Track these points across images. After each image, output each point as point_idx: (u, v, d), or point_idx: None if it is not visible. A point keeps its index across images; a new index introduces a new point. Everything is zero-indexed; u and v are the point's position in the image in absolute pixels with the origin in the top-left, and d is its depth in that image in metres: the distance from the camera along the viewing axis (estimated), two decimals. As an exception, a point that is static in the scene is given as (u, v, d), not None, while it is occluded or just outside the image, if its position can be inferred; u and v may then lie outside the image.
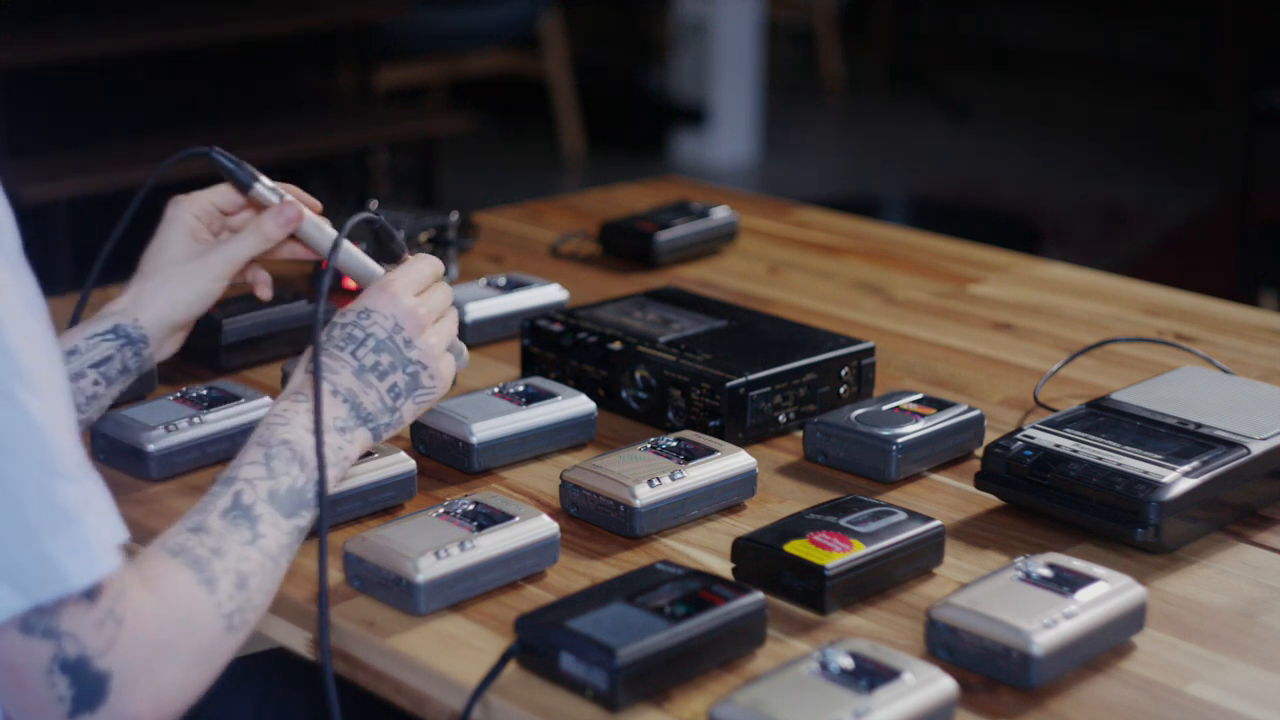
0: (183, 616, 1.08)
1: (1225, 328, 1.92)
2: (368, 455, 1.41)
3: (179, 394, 1.55)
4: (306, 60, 5.09)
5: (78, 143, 4.35)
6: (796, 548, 1.29)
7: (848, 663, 1.12)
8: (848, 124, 7.05)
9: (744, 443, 1.55)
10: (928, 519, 1.34)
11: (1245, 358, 1.82)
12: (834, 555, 1.28)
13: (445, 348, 1.33)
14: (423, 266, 1.35)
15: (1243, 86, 6.44)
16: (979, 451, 1.53)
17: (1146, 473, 1.38)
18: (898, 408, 1.55)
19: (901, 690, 1.10)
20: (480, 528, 1.30)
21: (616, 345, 1.65)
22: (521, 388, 1.57)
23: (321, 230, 1.42)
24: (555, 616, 1.17)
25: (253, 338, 1.73)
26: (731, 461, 1.44)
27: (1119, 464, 1.39)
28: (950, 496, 1.49)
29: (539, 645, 1.17)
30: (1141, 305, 2.00)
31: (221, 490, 1.18)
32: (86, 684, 1.02)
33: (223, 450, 1.51)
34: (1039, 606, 1.20)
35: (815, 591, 1.27)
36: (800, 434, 1.60)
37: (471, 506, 1.33)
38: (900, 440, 1.49)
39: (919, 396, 1.58)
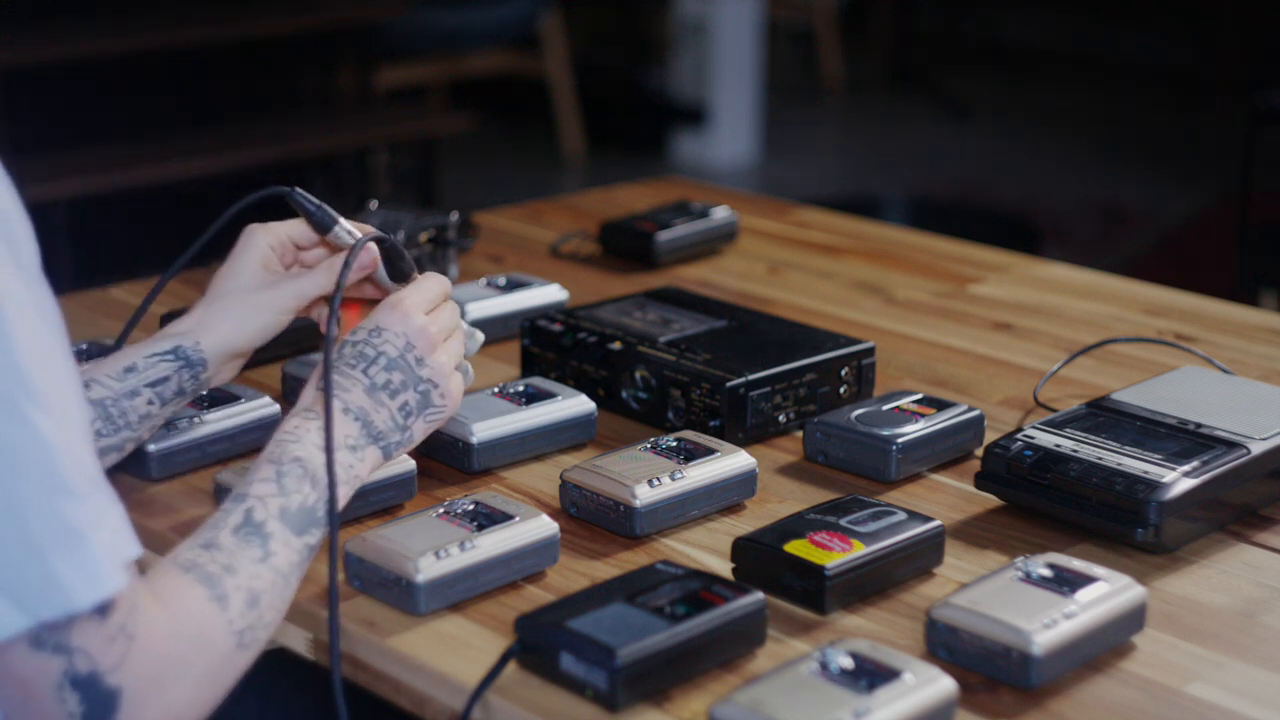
0: (194, 633, 1.08)
1: (1225, 328, 1.92)
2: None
3: (179, 394, 1.55)
4: (306, 60, 5.09)
5: (78, 143, 4.35)
6: (796, 548, 1.29)
7: (848, 663, 1.12)
8: (848, 124, 7.05)
9: (744, 443, 1.55)
10: (928, 519, 1.34)
11: (1245, 358, 1.82)
12: (834, 555, 1.28)
13: (455, 365, 1.33)
14: (432, 285, 1.35)
15: (1243, 86, 6.44)
16: (979, 451, 1.53)
17: (1146, 473, 1.38)
18: (898, 408, 1.55)
19: (901, 690, 1.10)
20: (480, 528, 1.30)
21: (616, 345, 1.65)
22: (521, 388, 1.57)
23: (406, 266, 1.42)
24: (555, 616, 1.17)
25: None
26: (731, 461, 1.44)
27: (1119, 464, 1.39)
28: (950, 496, 1.49)
29: (539, 645, 1.17)
30: (1141, 305, 2.00)
31: (233, 507, 1.17)
32: (97, 700, 1.02)
33: (223, 450, 1.51)
34: (1039, 606, 1.20)
35: (815, 591, 1.27)
36: (800, 434, 1.60)
37: (471, 506, 1.33)
38: (900, 440, 1.49)
39: (919, 396, 1.58)
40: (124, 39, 4.32)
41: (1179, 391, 1.55)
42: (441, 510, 1.32)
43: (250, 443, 1.53)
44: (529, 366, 1.70)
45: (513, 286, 1.87)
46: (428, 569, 1.25)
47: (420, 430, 1.31)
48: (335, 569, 1.20)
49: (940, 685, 1.12)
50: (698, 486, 1.41)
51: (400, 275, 1.41)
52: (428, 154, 5.08)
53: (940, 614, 1.21)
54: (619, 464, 1.42)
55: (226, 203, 1.49)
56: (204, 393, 1.44)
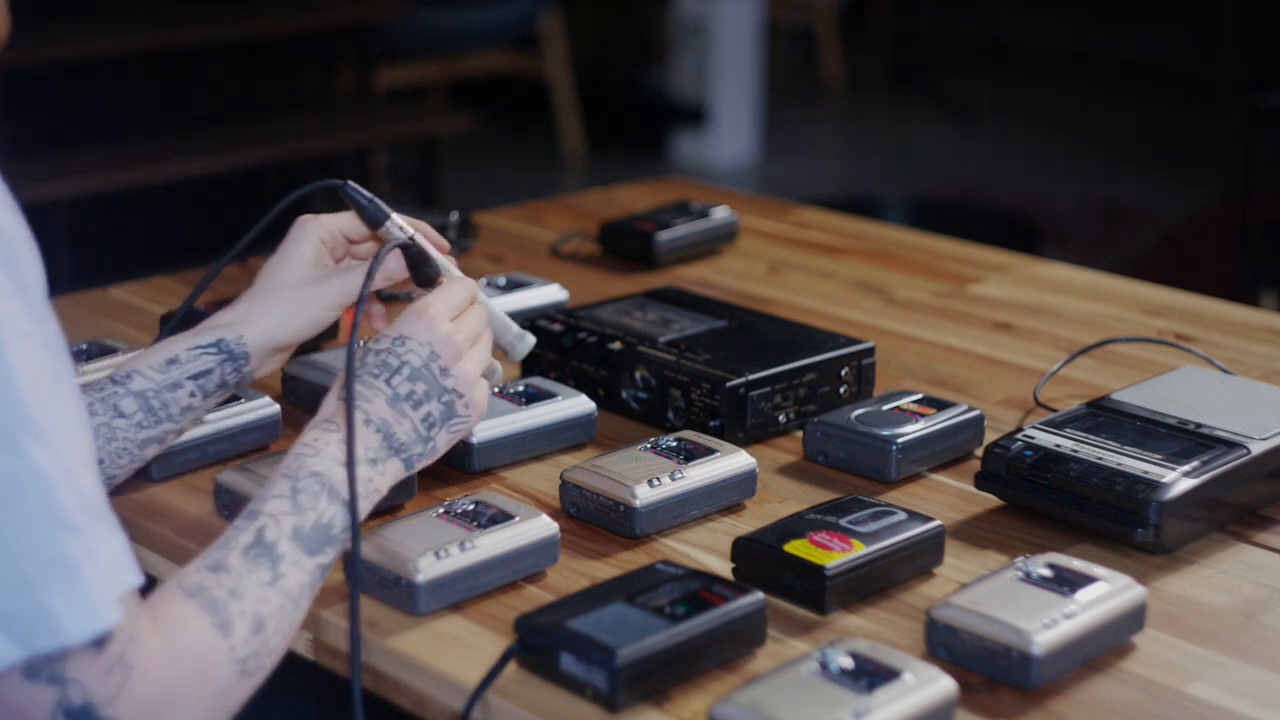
0: (195, 663, 1.06)
1: (1225, 328, 1.92)
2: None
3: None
4: (306, 60, 5.09)
5: (78, 143, 4.35)
6: (796, 548, 1.29)
7: (848, 663, 1.12)
8: (848, 124, 7.05)
9: (744, 443, 1.55)
10: (928, 519, 1.34)
11: (1245, 358, 1.82)
12: (834, 555, 1.28)
13: (480, 374, 1.30)
14: (458, 290, 1.31)
15: (1243, 86, 6.44)
16: (979, 451, 1.53)
17: (1146, 473, 1.38)
18: (898, 408, 1.55)
19: (901, 690, 1.10)
20: (480, 528, 1.30)
21: (616, 345, 1.65)
22: (521, 388, 1.57)
23: (449, 272, 1.38)
24: (555, 616, 1.17)
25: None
26: (731, 461, 1.44)
27: (1119, 464, 1.39)
28: (950, 496, 1.49)
29: (539, 645, 1.17)
30: (1141, 305, 2.00)
31: (245, 524, 1.15)
32: None
33: (223, 450, 1.51)
34: (1039, 606, 1.20)
35: (815, 591, 1.27)
36: (800, 434, 1.60)
37: (471, 506, 1.33)
38: (900, 440, 1.49)
39: (919, 396, 1.58)
40: (124, 39, 4.32)
41: (1179, 391, 1.55)
42: (441, 510, 1.32)
43: (250, 443, 1.53)
44: (529, 366, 1.70)
45: (513, 286, 1.87)
46: (428, 569, 1.25)
47: (444, 441, 1.28)
48: (357, 590, 1.18)
49: (940, 685, 1.12)
50: (698, 486, 1.41)
51: (426, 280, 1.36)
52: (428, 154, 5.08)
53: (940, 614, 1.21)
54: (619, 464, 1.42)
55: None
56: (246, 385, 1.41)
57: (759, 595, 1.21)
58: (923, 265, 2.14)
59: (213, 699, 1.07)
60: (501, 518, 1.31)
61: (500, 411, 1.52)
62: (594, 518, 1.40)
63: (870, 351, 1.67)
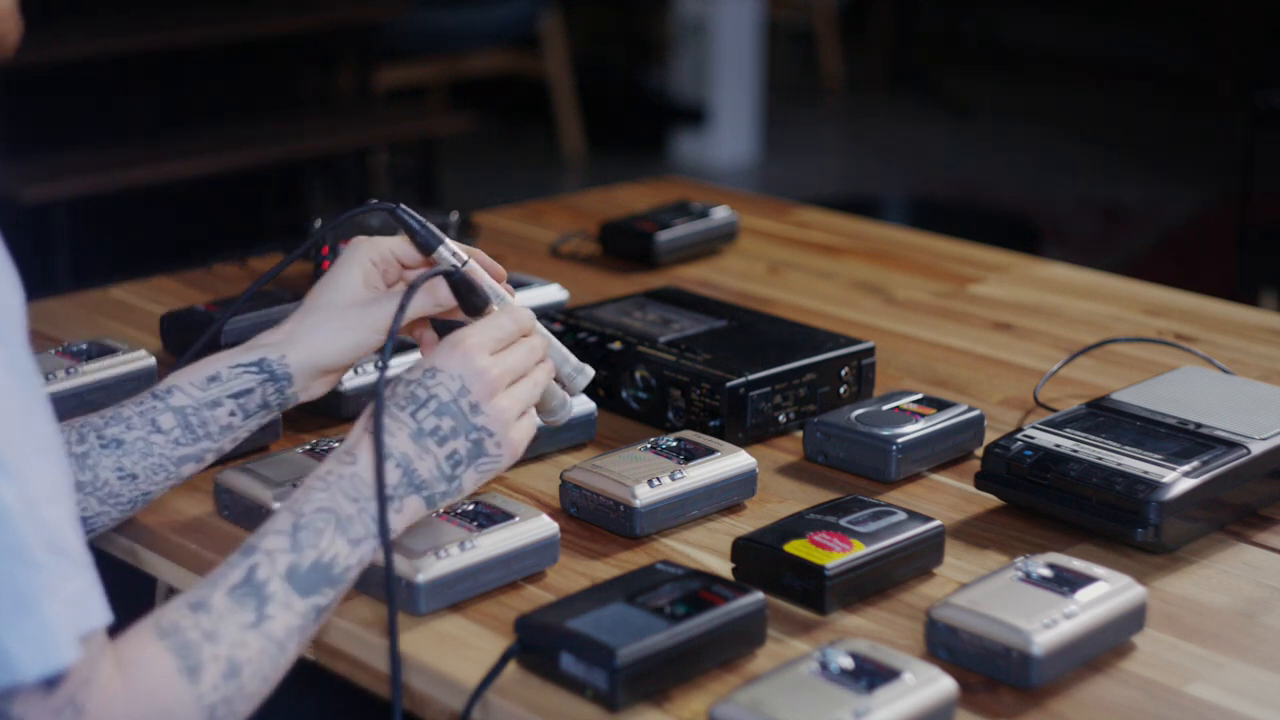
0: (155, 708, 1.03)
1: (1225, 328, 1.92)
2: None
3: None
4: (306, 60, 5.09)
5: (78, 143, 4.35)
6: (796, 548, 1.29)
7: (848, 663, 1.12)
8: (848, 124, 7.05)
9: (744, 443, 1.55)
10: (928, 519, 1.34)
11: (1245, 358, 1.82)
12: (834, 555, 1.28)
13: (521, 412, 1.24)
14: (504, 322, 1.25)
15: (1243, 86, 6.44)
16: (979, 451, 1.53)
17: (1146, 473, 1.38)
18: (898, 408, 1.55)
19: (901, 690, 1.10)
20: (480, 528, 1.30)
21: (616, 345, 1.65)
22: (521, 388, 1.56)
23: (502, 301, 1.32)
24: (555, 616, 1.17)
25: (252, 337, 1.73)
26: (731, 461, 1.44)
27: (1119, 464, 1.39)
28: (950, 496, 1.49)
29: (539, 645, 1.17)
30: (1141, 305, 2.00)
31: (238, 561, 1.12)
32: None
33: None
34: (1039, 606, 1.20)
35: (815, 591, 1.27)
36: (800, 434, 1.60)
37: (471, 506, 1.33)
38: (900, 440, 1.49)
39: (919, 396, 1.58)
40: (124, 39, 4.32)
41: (1179, 391, 1.55)
42: (441, 510, 1.32)
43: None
44: (529, 366, 1.70)
45: (513, 286, 1.87)
46: (428, 569, 1.25)
47: (471, 481, 1.21)
48: (395, 610, 1.16)
49: (940, 685, 1.12)
50: (698, 486, 1.41)
51: (474, 309, 1.30)
52: (428, 154, 5.08)
53: (940, 614, 1.21)
54: (619, 464, 1.42)
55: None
56: (291, 407, 1.36)
57: (759, 595, 1.21)
58: (923, 265, 2.14)
59: None
60: (501, 518, 1.31)
61: (500, 411, 1.51)
62: (594, 518, 1.40)
63: (870, 351, 1.67)
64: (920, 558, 1.33)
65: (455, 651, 1.22)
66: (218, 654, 1.07)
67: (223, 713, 1.07)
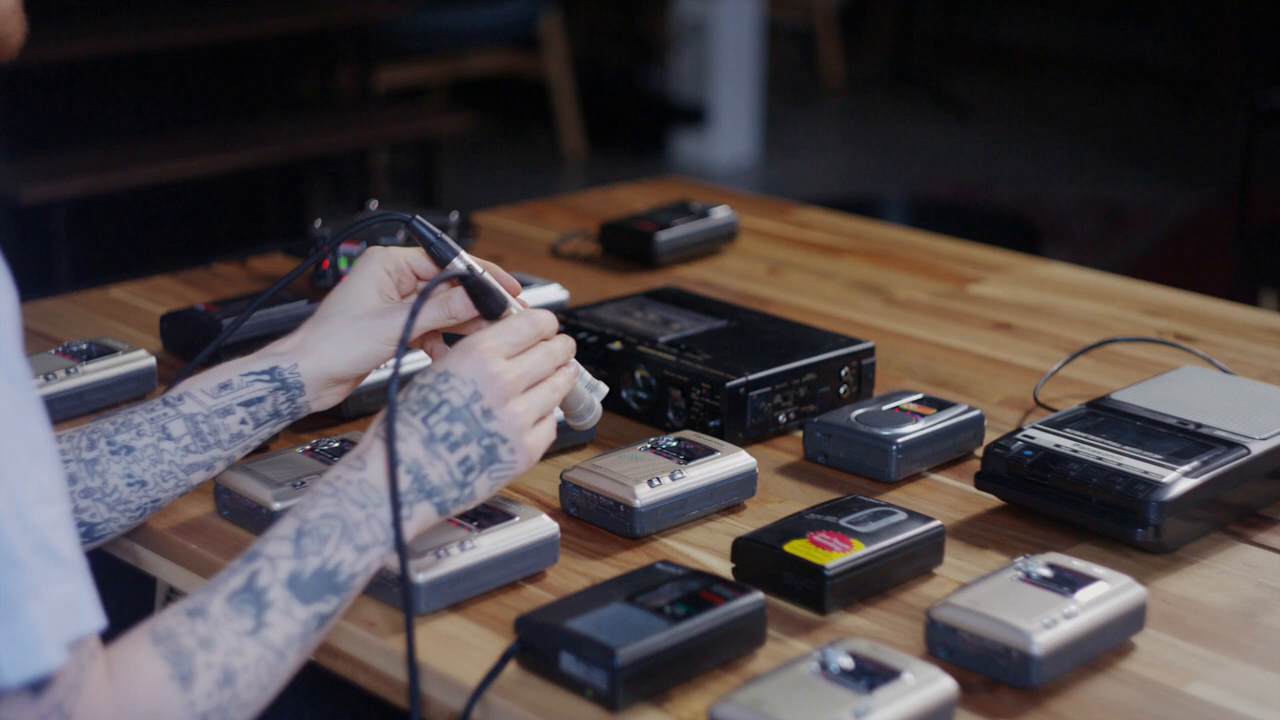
0: (144, 717, 1.02)
1: (1225, 328, 1.92)
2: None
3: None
4: (306, 60, 5.09)
5: (78, 143, 4.35)
6: (796, 548, 1.29)
7: (848, 663, 1.12)
8: (848, 124, 7.05)
9: (744, 443, 1.55)
10: (928, 519, 1.34)
11: (1245, 358, 1.82)
12: (834, 555, 1.28)
13: (538, 417, 1.22)
14: (520, 325, 1.23)
15: (1243, 86, 6.44)
16: (979, 451, 1.53)
17: (1146, 473, 1.38)
18: (898, 408, 1.55)
19: (901, 690, 1.10)
20: (480, 528, 1.30)
21: (616, 345, 1.65)
22: (521, 388, 1.56)
23: (515, 309, 1.31)
24: (555, 616, 1.17)
25: (253, 338, 1.73)
26: (731, 461, 1.44)
27: (1119, 464, 1.39)
28: (950, 496, 1.49)
29: (539, 645, 1.17)
30: (1141, 305, 2.00)
31: (240, 566, 1.11)
32: None
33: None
34: (1039, 606, 1.20)
35: (815, 591, 1.27)
36: (800, 434, 1.60)
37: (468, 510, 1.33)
38: (900, 440, 1.49)
39: (919, 396, 1.58)
40: (124, 39, 4.32)
41: (1179, 391, 1.55)
42: (454, 516, 1.32)
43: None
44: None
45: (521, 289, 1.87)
46: (428, 569, 1.25)
47: (484, 487, 1.20)
48: (412, 618, 1.16)
49: (940, 685, 1.12)
50: (698, 486, 1.41)
51: (491, 314, 1.29)
52: (428, 154, 5.08)
53: (940, 614, 1.21)
54: (619, 464, 1.42)
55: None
56: (303, 416, 1.35)
57: (759, 595, 1.21)
58: (923, 265, 2.14)
59: None
60: (501, 518, 1.31)
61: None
62: (594, 518, 1.40)
63: (870, 351, 1.67)
64: (920, 558, 1.33)
65: (455, 651, 1.22)
66: (212, 661, 1.06)
67: None
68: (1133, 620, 1.24)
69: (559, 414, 1.31)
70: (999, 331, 1.91)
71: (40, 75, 4.28)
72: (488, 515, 1.31)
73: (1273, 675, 1.22)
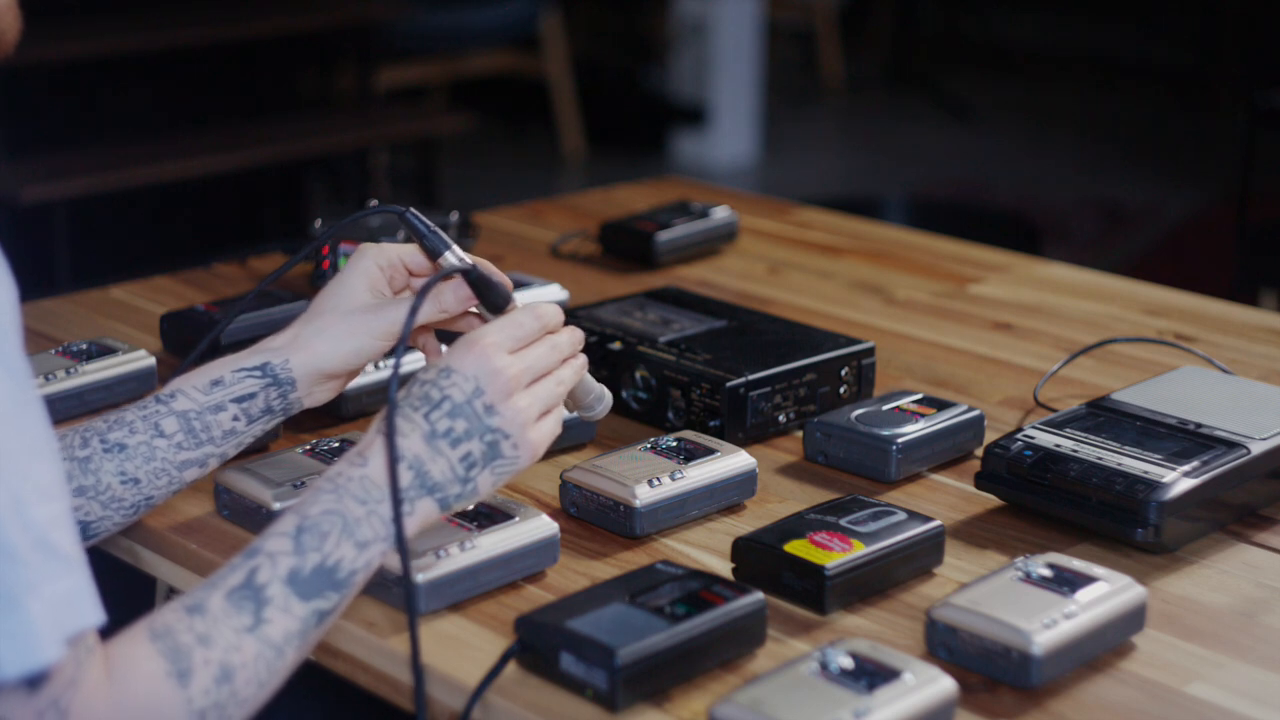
0: (140, 712, 1.02)
1: (1225, 328, 1.92)
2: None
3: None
4: (306, 60, 5.09)
5: (78, 143, 4.35)
6: (796, 548, 1.29)
7: (848, 663, 1.12)
8: (848, 124, 7.05)
9: (744, 443, 1.55)
10: (928, 519, 1.34)
11: (1245, 358, 1.82)
12: (834, 555, 1.28)
13: (541, 412, 1.21)
14: (524, 320, 1.23)
15: (1243, 86, 6.44)
16: (979, 451, 1.53)
17: (1146, 473, 1.38)
18: (898, 408, 1.55)
19: (901, 690, 1.10)
20: (480, 528, 1.30)
21: (616, 345, 1.65)
22: (521, 388, 1.56)
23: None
24: (555, 616, 1.17)
25: (253, 338, 1.72)
26: (731, 461, 1.44)
27: (1119, 464, 1.39)
28: (950, 496, 1.49)
29: (539, 645, 1.17)
30: (1141, 305, 2.00)
31: (240, 564, 1.11)
32: None
33: (223, 450, 1.51)
34: (1039, 606, 1.20)
35: (815, 591, 1.27)
36: (800, 434, 1.60)
37: (471, 506, 1.33)
38: (900, 440, 1.49)
39: (919, 396, 1.58)
40: (124, 39, 4.32)
41: (1179, 391, 1.55)
42: (456, 512, 1.32)
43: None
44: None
45: (513, 286, 1.87)
46: (428, 569, 1.25)
47: (487, 483, 1.19)
48: (415, 617, 1.15)
49: (940, 685, 1.12)
50: (698, 486, 1.41)
51: (494, 309, 1.29)
52: (428, 154, 5.09)
53: (940, 614, 1.21)
54: (619, 464, 1.42)
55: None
56: (296, 412, 1.35)
57: (759, 595, 1.21)
58: (923, 265, 2.14)
59: None
60: (501, 518, 1.31)
61: (500, 411, 1.51)
62: (594, 518, 1.40)
63: (870, 351, 1.67)
64: (920, 558, 1.33)
65: (455, 651, 1.22)
66: (210, 658, 1.06)
67: (214, 718, 1.06)
68: (1133, 620, 1.24)
69: (563, 410, 1.31)
70: (999, 331, 1.91)
71: (40, 75, 4.28)
72: (488, 515, 1.32)
73: (1273, 675, 1.22)
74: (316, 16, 4.73)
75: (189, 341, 1.74)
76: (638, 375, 1.62)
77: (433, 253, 1.32)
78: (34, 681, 0.97)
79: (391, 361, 1.56)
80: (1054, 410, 1.65)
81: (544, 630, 1.16)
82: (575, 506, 1.42)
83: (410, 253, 1.34)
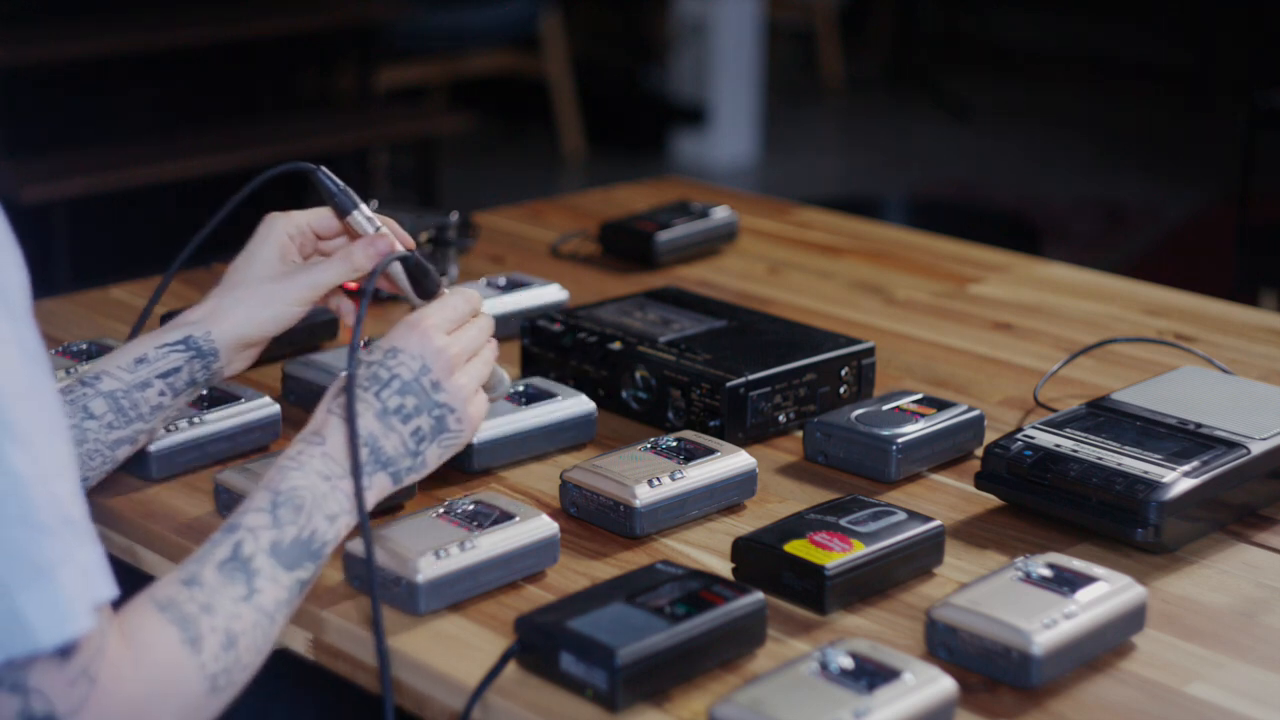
0: (162, 678, 1.05)
1: (1225, 328, 1.92)
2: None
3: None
4: (306, 60, 5.09)
5: (78, 143, 4.35)
6: (796, 548, 1.29)
7: (848, 663, 1.12)
8: (848, 124, 7.05)
9: (744, 443, 1.55)
10: (928, 519, 1.34)
11: (1245, 358, 1.82)
12: (834, 555, 1.28)
13: (476, 388, 1.29)
14: (457, 303, 1.30)
15: (1243, 86, 6.44)
16: (979, 451, 1.53)
17: (1146, 473, 1.38)
18: (898, 408, 1.55)
19: (901, 690, 1.10)
20: (480, 528, 1.30)
21: (616, 345, 1.65)
22: (521, 388, 1.57)
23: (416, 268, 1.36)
24: (555, 616, 1.17)
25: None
26: (731, 461, 1.44)
27: (1119, 464, 1.39)
28: (950, 496, 1.49)
29: (539, 645, 1.17)
30: (1141, 305, 2.00)
31: (222, 539, 1.14)
32: None
33: (222, 450, 1.51)
34: (1039, 606, 1.20)
35: (815, 591, 1.27)
36: (800, 434, 1.60)
37: (471, 506, 1.33)
38: (900, 440, 1.49)
39: (919, 396, 1.58)
40: (124, 39, 4.32)
41: (1179, 391, 1.55)
42: (441, 510, 1.32)
43: (250, 443, 1.53)
44: (529, 366, 1.70)
45: (513, 286, 1.87)
46: (428, 569, 1.25)
47: (434, 456, 1.26)
48: (378, 605, 1.16)
49: (940, 685, 1.12)
50: (698, 486, 1.41)
51: (426, 293, 1.35)
52: (428, 154, 5.08)
53: (940, 614, 1.21)
54: (619, 464, 1.42)
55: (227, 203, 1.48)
56: (216, 382, 1.41)
57: (759, 595, 1.21)
58: (923, 265, 2.14)
59: (181, 715, 1.06)
60: (501, 518, 1.31)
61: (500, 411, 1.52)
62: (594, 518, 1.40)
63: (870, 351, 1.67)
64: (920, 558, 1.33)
65: (455, 651, 1.22)
66: (216, 625, 1.09)
67: (223, 682, 1.09)
68: (1133, 620, 1.24)
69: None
70: (999, 331, 1.91)
71: (40, 75, 4.28)
72: (488, 515, 1.32)
73: (1273, 675, 1.22)
74: (316, 16, 4.73)
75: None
76: (638, 375, 1.62)
77: (341, 210, 1.37)
78: (66, 651, 1.00)
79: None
80: (1054, 410, 1.65)
81: (544, 630, 1.16)
82: (575, 506, 1.42)
83: (317, 218, 1.41)
